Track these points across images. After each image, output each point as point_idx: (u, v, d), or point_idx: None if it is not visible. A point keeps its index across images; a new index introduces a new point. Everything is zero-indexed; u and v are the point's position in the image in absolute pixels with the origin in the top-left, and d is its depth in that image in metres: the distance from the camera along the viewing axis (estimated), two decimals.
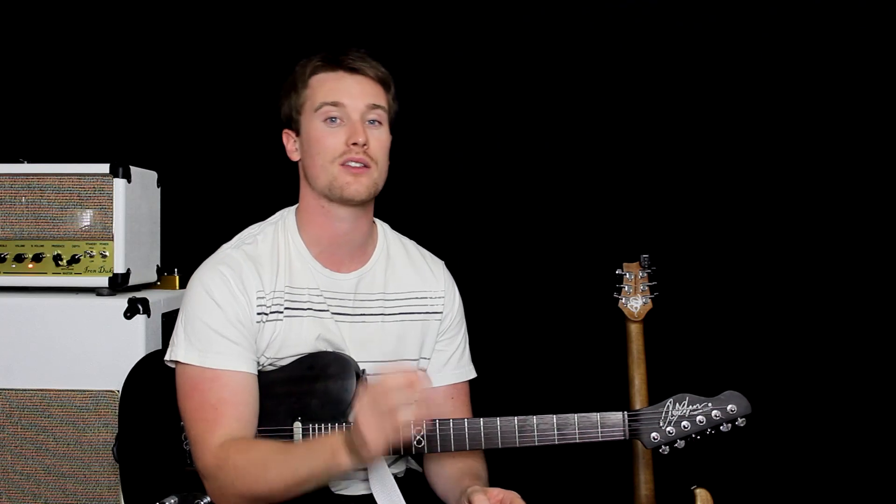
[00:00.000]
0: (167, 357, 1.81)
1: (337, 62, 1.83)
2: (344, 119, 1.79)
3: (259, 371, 1.81)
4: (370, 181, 1.80)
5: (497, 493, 1.71)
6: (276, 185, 2.20)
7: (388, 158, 1.86)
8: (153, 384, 1.92)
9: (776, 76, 2.83)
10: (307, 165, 1.84)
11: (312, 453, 1.66)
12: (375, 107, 1.81)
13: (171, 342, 1.81)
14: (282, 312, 1.82)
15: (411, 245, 2.02)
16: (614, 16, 2.88)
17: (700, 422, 1.72)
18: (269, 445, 1.71)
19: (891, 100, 2.78)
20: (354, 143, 1.77)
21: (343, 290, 1.87)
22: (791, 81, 2.82)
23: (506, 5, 2.92)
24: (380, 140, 1.82)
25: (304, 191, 1.88)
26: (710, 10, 2.84)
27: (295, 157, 1.89)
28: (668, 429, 1.72)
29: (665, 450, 1.74)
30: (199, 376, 1.75)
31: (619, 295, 2.24)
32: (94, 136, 3.00)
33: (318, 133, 1.80)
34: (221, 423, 1.71)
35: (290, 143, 1.89)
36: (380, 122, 1.83)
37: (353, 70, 1.82)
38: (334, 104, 1.79)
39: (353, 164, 1.78)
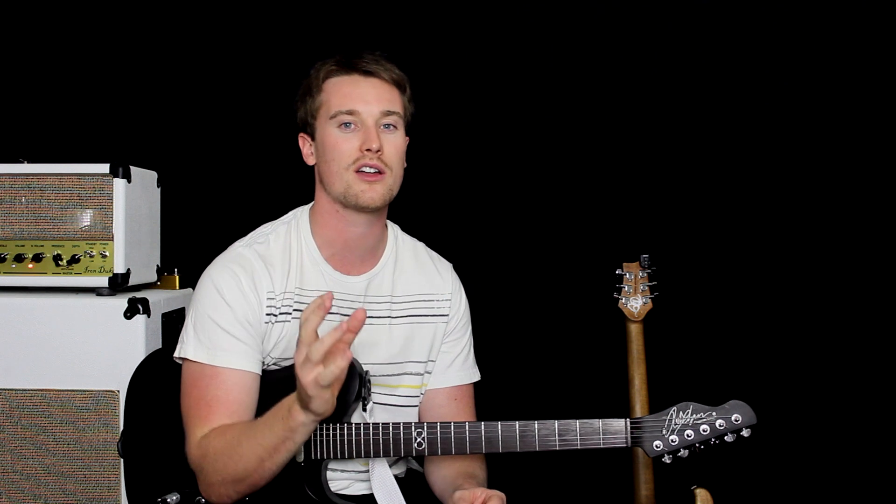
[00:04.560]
0: (176, 353, 1.81)
1: (351, 65, 1.82)
2: (358, 125, 1.79)
3: (263, 370, 1.81)
4: (385, 188, 1.79)
5: (480, 492, 1.70)
6: (276, 185, 2.20)
7: (404, 162, 1.86)
8: (159, 381, 1.92)
9: (776, 76, 2.83)
10: (322, 171, 1.83)
11: (272, 417, 1.64)
12: (390, 112, 1.80)
13: (180, 338, 1.81)
14: (290, 314, 1.82)
15: (421, 247, 2.02)
16: (615, 17, 2.88)
17: (704, 431, 1.70)
18: (242, 424, 1.71)
19: (891, 100, 2.78)
20: (368, 150, 1.76)
21: (353, 292, 1.87)
22: (791, 81, 2.82)
23: (509, 9, 2.92)
24: (394, 145, 1.81)
25: (320, 194, 1.87)
26: (710, 11, 2.84)
27: (311, 161, 1.88)
28: (672, 437, 1.70)
29: (668, 459, 1.73)
30: (199, 373, 1.75)
31: (619, 295, 2.23)
32: (94, 136, 3.00)
33: (333, 139, 1.80)
34: (210, 422, 1.72)
35: (305, 147, 1.88)
36: (395, 127, 1.82)
37: (367, 73, 1.81)
38: (349, 112, 1.78)
39: (367, 169, 1.77)
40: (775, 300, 2.83)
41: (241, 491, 1.70)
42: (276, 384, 1.79)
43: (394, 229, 1.98)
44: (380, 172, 1.78)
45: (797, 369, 2.81)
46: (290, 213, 1.94)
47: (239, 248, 1.85)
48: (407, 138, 1.88)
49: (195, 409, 1.75)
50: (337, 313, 1.84)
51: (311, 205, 1.92)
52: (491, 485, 1.86)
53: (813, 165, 2.82)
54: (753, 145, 2.84)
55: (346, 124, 1.78)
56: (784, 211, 2.84)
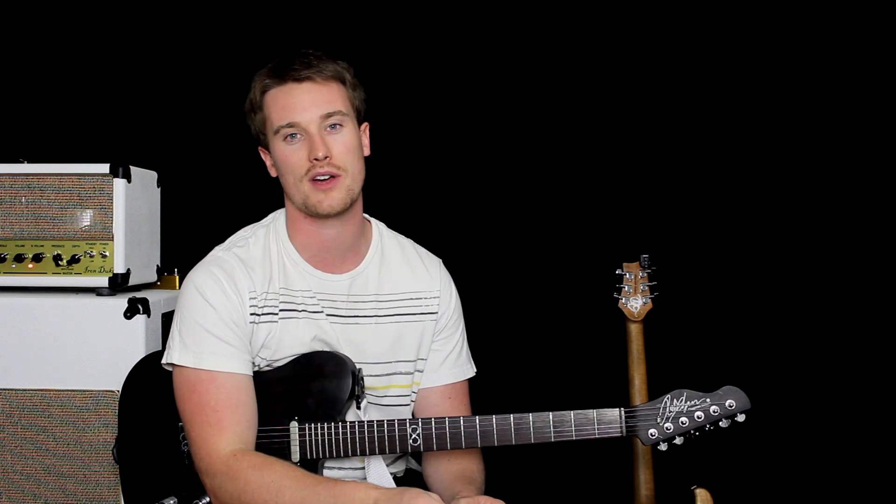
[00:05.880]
0: (164, 360, 1.81)
1: (283, 75, 1.80)
2: (303, 133, 1.78)
3: (256, 371, 1.81)
4: (342, 192, 1.78)
5: (484, 500, 1.68)
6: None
7: (364, 151, 1.85)
8: (153, 385, 1.92)
9: (776, 76, 2.82)
10: (282, 183, 1.85)
11: (335, 500, 1.61)
12: (331, 114, 1.78)
13: (167, 345, 1.81)
14: (276, 314, 1.81)
15: (408, 244, 2.01)
16: (616, 15, 2.88)
17: (698, 418, 1.70)
18: (287, 471, 1.67)
19: (891, 100, 2.78)
20: (316, 159, 1.76)
21: (335, 291, 1.87)
22: (791, 81, 2.82)
23: (506, 5, 2.92)
24: (344, 144, 1.79)
25: (288, 203, 1.88)
26: (709, 11, 2.83)
27: (273, 173, 1.88)
28: (666, 425, 1.71)
29: (663, 446, 1.73)
30: (195, 378, 1.75)
31: (619, 295, 2.23)
32: (94, 136, 3.00)
33: (282, 152, 1.80)
34: (224, 427, 1.71)
35: (267, 159, 1.89)
36: (341, 125, 1.80)
37: (300, 80, 1.79)
38: (290, 125, 1.77)
39: (319, 178, 1.77)
40: (776, 300, 2.83)
41: None
42: (271, 385, 1.80)
43: (378, 227, 1.97)
44: (334, 177, 1.77)
45: (797, 369, 2.81)
46: (270, 215, 1.95)
47: (218, 252, 1.86)
48: (365, 125, 1.88)
49: (200, 415, 1.73)
50: (321, 311, 1.84)
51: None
52: (490, 486, 1.86)
53: (813, 165, 2.82)
54: (753, 146, 2.84)
55: (292, 136, 1.78)
56: (783, 211, 2.83)
